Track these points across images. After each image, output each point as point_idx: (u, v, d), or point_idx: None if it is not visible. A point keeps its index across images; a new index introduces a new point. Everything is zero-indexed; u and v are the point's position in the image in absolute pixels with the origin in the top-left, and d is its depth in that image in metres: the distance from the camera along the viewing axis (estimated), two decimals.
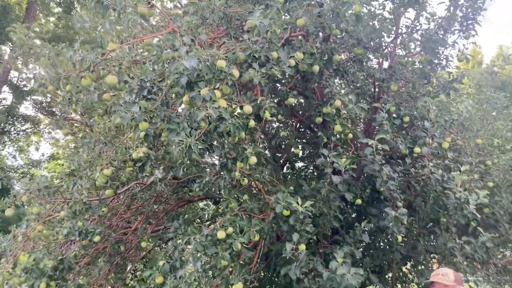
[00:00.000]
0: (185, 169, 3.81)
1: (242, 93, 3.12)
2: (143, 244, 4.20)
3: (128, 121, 2.69)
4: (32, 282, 3.65)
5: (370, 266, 4.25)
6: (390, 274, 4.79)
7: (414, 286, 5.00)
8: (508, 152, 5.10)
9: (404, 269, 4.99)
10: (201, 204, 5.82)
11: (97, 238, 3.83)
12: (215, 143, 2.90)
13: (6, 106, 15.74)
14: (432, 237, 4.46)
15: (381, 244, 4.55)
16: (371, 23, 4.59)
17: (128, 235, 4.29)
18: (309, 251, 3.59)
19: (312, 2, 3.54)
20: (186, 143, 2.58)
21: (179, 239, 3.76)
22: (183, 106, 2.88)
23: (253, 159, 3.07)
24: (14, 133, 16.63)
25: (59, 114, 16.22)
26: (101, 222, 4.10)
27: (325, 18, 3.45)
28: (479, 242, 4.03)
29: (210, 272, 3.44)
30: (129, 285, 4.83)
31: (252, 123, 3.00)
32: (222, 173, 3.32)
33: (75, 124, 16.01)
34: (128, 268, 4.90)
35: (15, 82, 16.17)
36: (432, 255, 4.76)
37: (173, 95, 3.14)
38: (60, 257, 3.81)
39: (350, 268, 3.13)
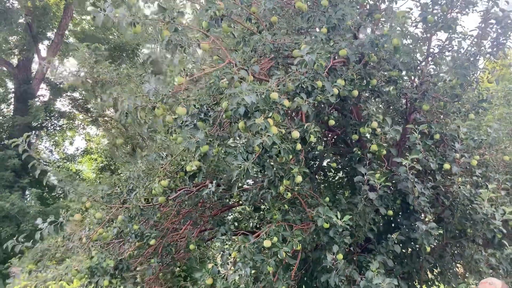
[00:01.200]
0: (238, 186, 4.21)
1: (289, 118, 3.49)
2: (191, 246, 4.63)
3: (193, 145, 3.09)
4: (97, 279, 4.11)
5: (399, 273, 4.58)
6: (417, 280, 5.10)
7: None
8: None
9: (431, 275, 5.29)
10: (238, 208, 6.22)
11: (152, 242, 4.27)
12: (266, 164, 3.28)
13: (44, 102, 16.43)
14: (459, 246, 4.75)
15: (410, 251, 4.86)
16: (404, 41, 4.89)
17: (177, 238, 4.72)
18: (345, 259, 3.92)
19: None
20: (244, 166, 2.96)
21: (226, 244, 4.17)
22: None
23: (299, 178, 3.44)
24: (51, 129, 17.35)
25: (95, 112, 16.85)
26: (154, 226, 4.53)
27: (365, 47, 3.78)
28: (504, 254, 4.30)
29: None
30: (179, 285, 5.26)
31: (299, 146, 3.37)
32: (269, 188, 3.69)
33: (110, 122, 16.66)
34: (177, 269, 5.34)
35: (52, 79, 16.90)
36: (458, 264, 5.05)
37: (226, 119, 3.55)
38: (120, 258, 4.27)
39: (385, 278, 3.47)
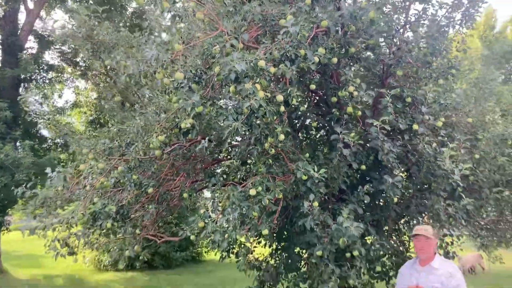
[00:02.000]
0: (230, 142, 4.69)
1: (274, 83, 3.93)
2: (185, 195, 5.15)
3: (189, 105, 3.53)
4: (100, 223, 4.63)
5: (369, 221, 5.18)
6: (386, 228, 5.73)
7: (405, 238, 5.95)
8: (497, 126, 5.89)
9: (398, 224, 5.94)
10: (227, 162, 6.75)
11: (150, 190, 4.77)
12: (253, 124, 3.74)
13: (32, 55, 16.45)
14: (423, 199, 5.34)
15: (380, 202, 5.45)
16: (384, 9, 5.28)
17: (171, 188, 5.24)
18: (320, 207, 4.48)
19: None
20: (234, 126, 3.43)
21: (217, 193, 4.69)
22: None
23: (282, 136, 3.93)
24: (40, 81, 17.47)
25: (84, 65, 16.93)
26: (151, 177, 5.02)
27: (345, 19, 4.19)
28: (460, 204, 4.89)
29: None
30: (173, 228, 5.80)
31: (282, 108, 3.82)
32: (255, 145, 4.17)
33: (99, 76, 16.81)
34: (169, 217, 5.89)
35: (39, 31, 16.83)
36: (422, 214, 5.67)
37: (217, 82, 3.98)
38: (121, 204, 4.78)
39: (353, 222, 4.04)
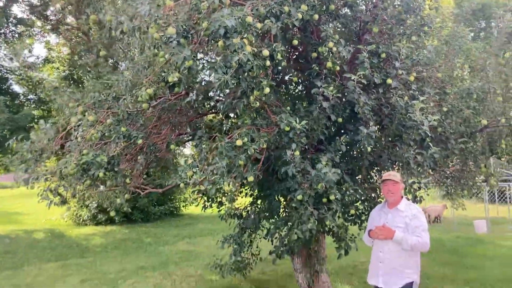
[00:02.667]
0: (218, 94, 4.92)
1: (260, 39, 4.15)
2: (172, 146, 5.42)
3: (180, 59, 3.74)
4: (93, 172, 4.87)
5: (344, 169, 5.59)
6: (359, 176, 6.17)
7: (377, 185, 6.42)
8: (463, 82, 6.30)
9: (371, 172, 6.38)
10: (209, 116, 6.99)
11: (140, 141, 5.01)
12: (241, 77, 3.99)
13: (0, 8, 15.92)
14: (394, 149, 5.75)
15: (354, 152, 5.85)
16: None
17: (159, 140, 5.48)
18: (301, 156, 4.82)
19: None
20: (224, 79, 3.67)
21: (204, 144, 4.97)
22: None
23: (267, 90, 4.19)
24: (9, 36, 16.99)
25: (55, 19, 16.47)
26: (139, 129, 5.24)
27: None
28: (428, 153, 5.32)
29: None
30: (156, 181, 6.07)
31: (268, 63, 4.07)
32: (241, 98, 4.43)
33: (71, 30, 16.44)
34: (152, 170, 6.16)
35: None
36: (393, 163, 6.10)
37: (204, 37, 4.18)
38: (112, 154, 5.01)
39: (331, 168, 4.41)
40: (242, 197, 7.71)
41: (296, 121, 4.50)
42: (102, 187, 5.65)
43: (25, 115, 14.40)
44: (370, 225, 4.71)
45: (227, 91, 4.58)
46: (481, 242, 11.86)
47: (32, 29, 17.82)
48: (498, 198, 17.01)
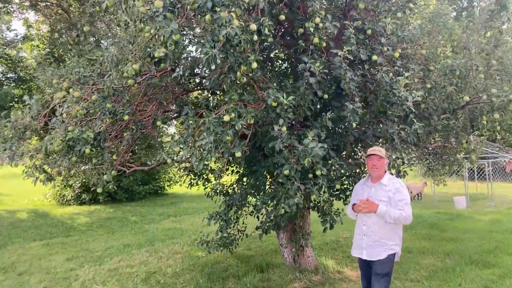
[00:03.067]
0: (205, 70, 4.90)
1: (248, 13, 4.13)
2: (158, 123, 5.41)
3: (168, 33, 3.72)
4: (79, 148, 4.84)
5: (330, 145, 5.66)
6: (345, 152, 6.26)
7: (362, 161, 6.53)
8: (447, 59, 6.37)
9: (356, 149, 6.48)
10: (195, 93, 6.97)
11: (126, 117, 4.99)
12: (228, 52, 3.98)
13: None
14: (379, 125, 5.84)
15: (340, 129, 5.92)
16: None
17: (145, 116, 5.45)
18: (288, 132, 4.87)
19: None
20: (212, 53, 3.66)
21: (190, 120, 4.96)
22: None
23: (255, 64, 4.20)
24: None
25: None
26: (126, 105, 5.20)
27: None
28: (412, 129, 5.41)
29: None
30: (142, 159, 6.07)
31: (255, 37, 4.07)
32: (228, 73, 4.42)
33: (52, 7, 16.02)
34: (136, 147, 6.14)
35: None
36: (377, 139, 6.20)
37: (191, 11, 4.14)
38: (98, 131, 4.98)
39: (318, 143, 4.47)
40: (228, 175, 7.76)
41: (283, 96, 4.53)
42: (88, 165, 5.63)
43: (5, 94, 14.11)
44: (353, 199, 4.81)
45: (214, 66, 4.56)
46: (460, 217, 12.20)
47: (9, 6, 17.32)
48: (477, 175, 17.42)
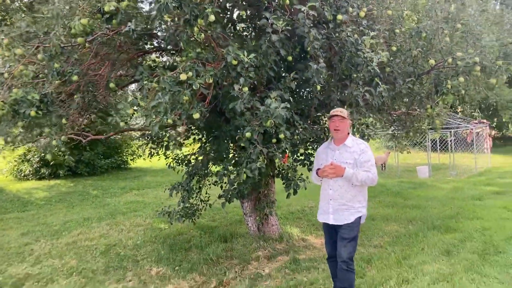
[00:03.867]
0: (160, 25, 4.55)
1: None
2: (111, 85, 5.05)
3: None
4: (23, 110, 4.46)
5: (294, 109, 5.47)
6: (309, 117, 6.09)
7: (326, 125, 6.38)
8: (413, 21, 6.24)
9: (320, 113, 6.32)
10: (153, 56, 6.61)
11: (75, 78, 4.62)
12: (182, 1, 3.67)
13: None
14: (344, 89, 5.67)
15: (304, 93, 5.73)
16: None
17: (97, 78, 5.09)
18: (250, 93, 4.63)
19: None
20: (164, 1, 3.35)
21: (145, 80, 4.65)
22: None
23: (212, 17, 3.90)
24: None
25: None
26: (75, 64, 4.82)
27: None
28: (377, 91, 5.28)
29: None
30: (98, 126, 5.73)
31: None
32: (184, 28, 4.12)
33: None
34: (93, 116, 5.77)
35: None
36: (343, 104, 6.05)
37: None
38: (44, 92, 4.60)
39: (280, 103, 4.25)
40: (190, 144, 7.50)
41: (244, 54, 4.27)
42: (35, 131, 5.26)
43: None
44: (317, 164, 4.65)
45: (168, 19, 4.24)
46: (423, 185, 12.39)
47: None
48: (439, 146, 17.76)
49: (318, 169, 4.50)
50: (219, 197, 6.12)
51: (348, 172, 4.22)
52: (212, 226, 8.44)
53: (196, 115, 4.34)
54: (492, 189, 10.99)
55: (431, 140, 15.84)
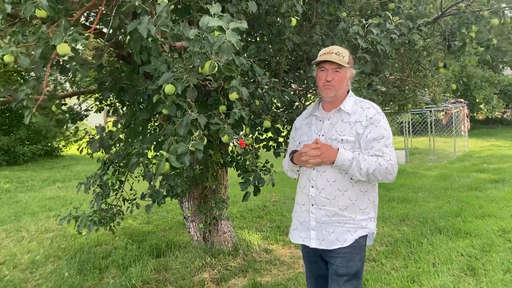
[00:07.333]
0: None
1: None
2: None
3: None
4: None
5: (254, 57, 3.39)
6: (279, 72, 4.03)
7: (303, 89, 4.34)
8: None
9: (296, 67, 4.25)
10: None
11: None
12: None
13: None
14: (330, 25, 3.66)
15: (271, 33, 3.64)
16: None
17: None
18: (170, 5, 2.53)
19: None
20: None
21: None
22: None
23: None
24: None
25: None
26: None
27: None
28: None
29: None
30: None
31: None
32: None
33: None
34: None
35: None
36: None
37: None
38: None
39: (230, 23, 2.13)
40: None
41: None
42: None
43: None
44: (292, 144, 2.64)
45: None
46: (403, 173, 10.60)
47: None
48: (412, 129, 16.20)
49: (295, 151, 2.50)
50: (142, 197, 4.04)
51: (344, 156, 2.25)
52: (144, 232, 6.29)
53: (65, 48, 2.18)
54: (487, 177, 9.34)
55: (399, 122, 14.20)
